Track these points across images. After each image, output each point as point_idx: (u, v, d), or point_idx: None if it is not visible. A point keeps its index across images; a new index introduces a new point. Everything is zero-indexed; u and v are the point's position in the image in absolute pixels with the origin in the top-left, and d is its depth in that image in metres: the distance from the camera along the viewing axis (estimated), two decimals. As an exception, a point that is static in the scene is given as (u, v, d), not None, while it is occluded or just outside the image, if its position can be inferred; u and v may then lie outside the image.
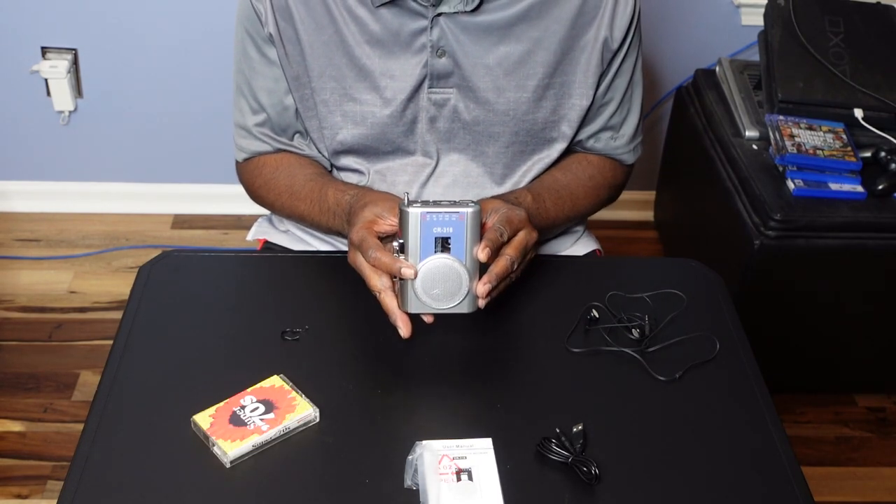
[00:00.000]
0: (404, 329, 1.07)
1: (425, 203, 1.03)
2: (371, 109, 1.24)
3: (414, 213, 1.03)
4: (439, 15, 1.20)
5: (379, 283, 1.07)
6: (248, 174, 1.35)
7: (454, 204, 1.03)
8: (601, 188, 1.37)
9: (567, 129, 1.30)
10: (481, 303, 1.06)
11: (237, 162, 1.37)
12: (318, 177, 1.29)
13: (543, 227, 1.24)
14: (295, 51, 1.24)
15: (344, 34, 1.22)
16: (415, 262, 1.04)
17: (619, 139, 1.36)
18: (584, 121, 1.32)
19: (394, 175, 1.29)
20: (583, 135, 1.34)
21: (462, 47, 1.22)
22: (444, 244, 1.04)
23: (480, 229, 1.05)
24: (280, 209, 1.33)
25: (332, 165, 1.33)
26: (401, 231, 1.04)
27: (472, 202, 1.04)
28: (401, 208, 1.04)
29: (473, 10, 1.20)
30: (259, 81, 1.28)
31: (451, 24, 1.21)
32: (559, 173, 1.33)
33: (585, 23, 1.25)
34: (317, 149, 1.31)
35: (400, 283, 1.06)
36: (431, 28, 1.21)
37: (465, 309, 1.06)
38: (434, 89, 1.24)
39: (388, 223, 1.11)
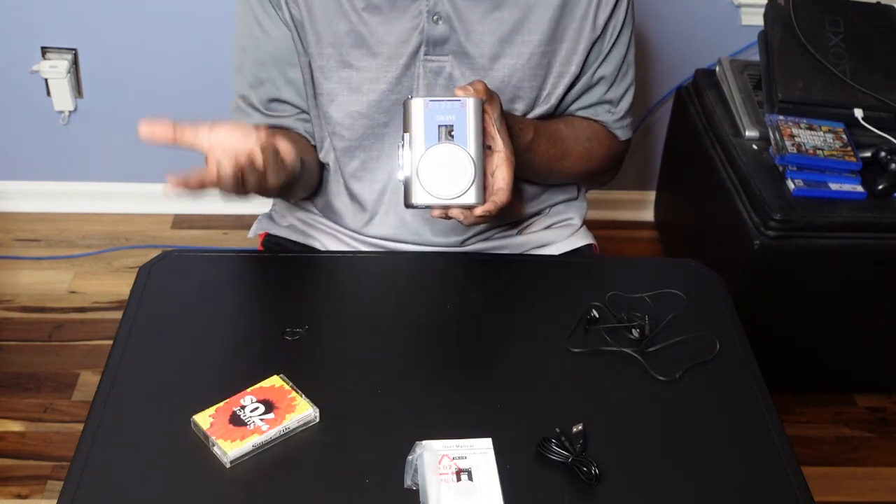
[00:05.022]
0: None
1: None
2: (366, 76, 1.24)
3: (417, 101, 1.05)
4: None
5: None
6: None
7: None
8: (594, 154, 1.37)
9: (554, 99, 1.30)
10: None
11: None
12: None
13: (526, 162, 1.23)
14: (297, 14, 1.23)
15: (342, 0, 1.22)
16: (419, 152, 1.05)
17: (615, 113, 1.37)
18: (577, 92, 1.32)
19: (391, 147, 1.28)
20: (578, 106, 1.34)
21: (457, 13, 1.22)
22: (448, 133, 1.05)
23: (482, 122, 1.07)
24: None
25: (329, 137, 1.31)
26: (405, 124, 1.06)
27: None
28: (404, 101, 1.06)
29: None
30: (255, 55, 1.28)
31: None
32: (562, 124, 1.33)
33: None
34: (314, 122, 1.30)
35: (405, 176, 1.06)
36: None
37: (471, 199, 1.05)
38: (430, 56, 1.24)
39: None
